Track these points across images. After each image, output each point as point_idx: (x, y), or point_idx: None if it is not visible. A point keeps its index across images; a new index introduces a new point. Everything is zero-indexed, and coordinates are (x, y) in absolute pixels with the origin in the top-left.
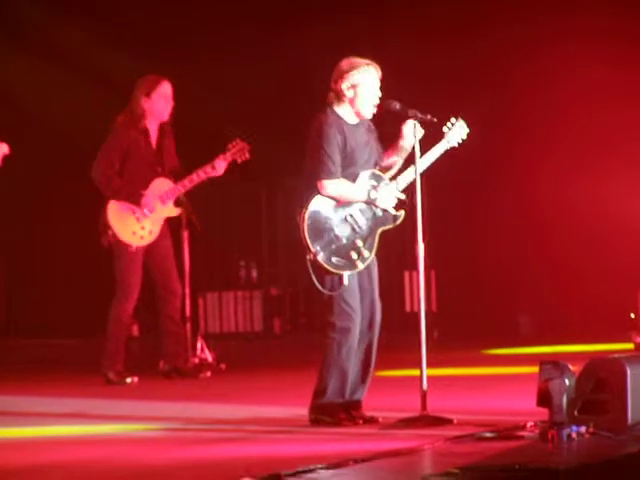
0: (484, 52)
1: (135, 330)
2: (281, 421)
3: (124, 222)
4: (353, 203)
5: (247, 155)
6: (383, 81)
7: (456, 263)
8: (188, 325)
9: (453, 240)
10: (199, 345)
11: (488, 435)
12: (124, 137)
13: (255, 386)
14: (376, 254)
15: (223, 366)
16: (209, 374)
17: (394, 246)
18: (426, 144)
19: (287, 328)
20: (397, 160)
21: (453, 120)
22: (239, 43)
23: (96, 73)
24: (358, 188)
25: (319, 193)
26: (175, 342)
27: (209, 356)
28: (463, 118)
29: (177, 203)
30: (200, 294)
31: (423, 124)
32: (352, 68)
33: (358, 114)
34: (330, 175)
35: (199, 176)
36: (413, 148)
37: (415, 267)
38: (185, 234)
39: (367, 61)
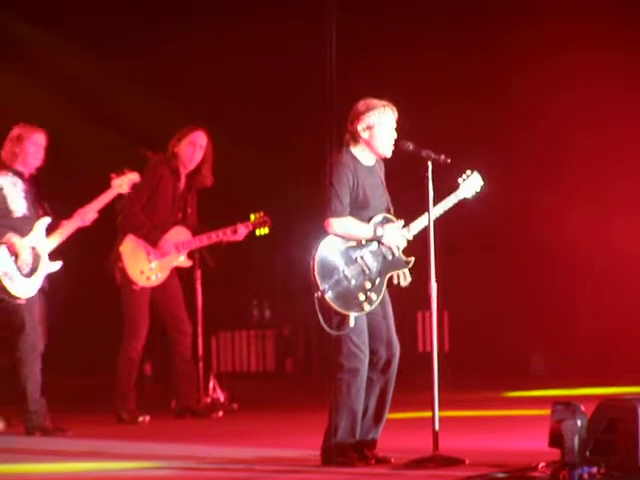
0: (485, 69)
1: (148, 369)
2: (293, 461)
3: (135, 258)
4: (365, 245)
5: (267, 230)
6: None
7: (469, 303)
8: (200, 364)
9: (466, 280)
10: (211, 384)
11: (500, 475)
12: (156, 175)
13: (267, 426)
14: (389, 294)
15: (235, 406)
16: (221, 414)
17: (407, 286)
18: (439, 187)
19: (299, 368)
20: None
21: (468, 172)
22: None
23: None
24: (364, 226)
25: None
26: (187, 382)
27: (221, 396)
28: (477, 168)
29: (190, 255)
30: (213, 333)
31: (435, 164)
32: (368, 109)
33: (377, 154)
34: (336, 214)
35: (218, 236)
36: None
37: (428, 307)
38: (198, 273)
39: (384, 102)
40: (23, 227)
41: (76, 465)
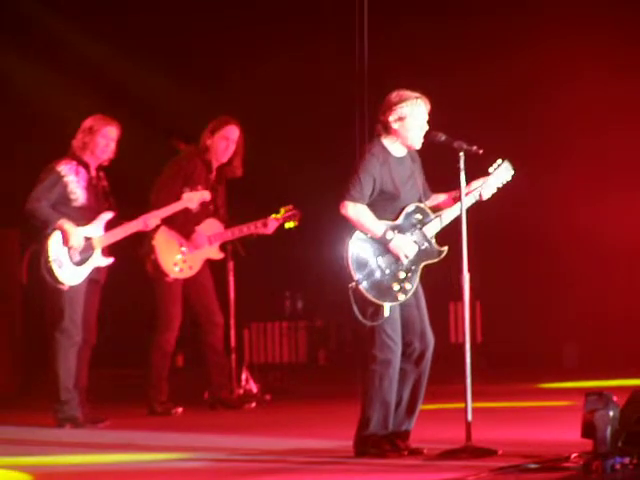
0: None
1: (180, 361)
2: (326, 452)
3: (169, 250)
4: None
5: (297, 223)
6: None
7: (502, 293)
8: (233, 356)
9: (498, 270)
10: (244, 376)
11: (532, 466)
12: (189, 165)
13: (300, 417)
14: (422, 285)
15: (268, 397)
16: (254, 405)
17: (439, 277)
18: (471, 176)
19: (332, 359)
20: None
21: (499, 161)
22: None
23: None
24: (377, 222)
25: (340, 213)
26: (219, 373)
27: (254, 387)
28: (507, 156)
29: (222, 247)
30: (245, 325)
31: (468, 155)
32: (400, 101)
33: (407, 145)
34: (353, 199)
35: (249, 229)
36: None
37: (460, 298)
38: (230, 264)
39: (416, 94)
40: (80, 216)
41: (107, 457)
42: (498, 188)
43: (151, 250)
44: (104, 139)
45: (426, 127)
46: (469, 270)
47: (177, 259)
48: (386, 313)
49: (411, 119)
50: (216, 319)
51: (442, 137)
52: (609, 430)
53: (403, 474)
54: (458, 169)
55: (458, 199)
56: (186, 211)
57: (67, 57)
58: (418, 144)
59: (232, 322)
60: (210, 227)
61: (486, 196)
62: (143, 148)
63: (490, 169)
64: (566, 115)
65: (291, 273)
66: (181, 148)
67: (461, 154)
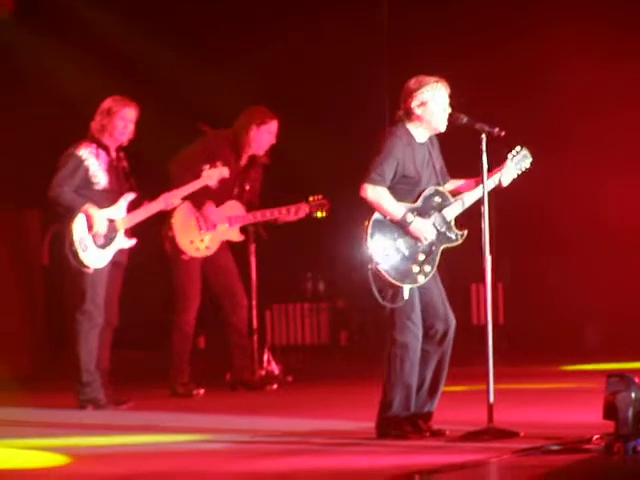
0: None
1: (202, 342)
2: (348, 434)
3: (186, 228)
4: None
5: (326, 212)
6: None
7: (523, 275)
8: (255, 337)
9: (520, 252)
10: (266, 357)
11: (554, 448)
12: (212, 144)
13: (322, 399)
14: (443, 267)
15: (290, 378)
16: (275, 386)
17: (461, 259)
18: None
19: (354, 340)
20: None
21: (518, 148)
22: None
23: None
24: (397, 204)
25: (359, 195)
26: (242, 354)
27: (276, 368)
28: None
29: (243, 230)
30: (267, 306)
31: (490, 137)
32: (420, 86)
33: (432, 129)
34: (373, 181)
35: (272, 214)
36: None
37: (482, 280)
38: (252, 246)
39: (435, 78)
40: (103, 199)
41: (129, 438)
42: (517, 175)
43: (169, 227)
44: (122, 121)
45: (449, 109)
46: (491, 252)
47: (194, 238)
48: (405, 295)
49: (433, 103)
50: (239, 300)
51: (464, 119)
52: (631, 412)
53: (425, 455)
54: (480, 151)
55: (479, 182)
56: (206, 189)
57: (85, 36)
58: (443, 127)
59: (254, 304)
60: (231, 209)
61: (505, 182)
62: (163, 127)
63: (509, 155)
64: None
65: (313, 254)
66: (208, 132)
67: (483, 136)
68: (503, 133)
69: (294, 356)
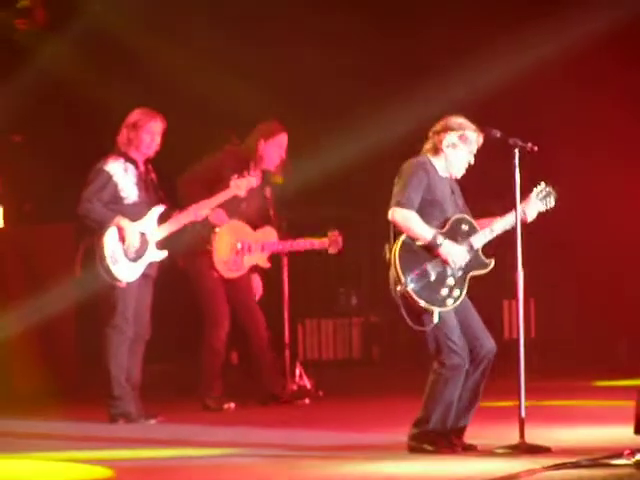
0: None
1: (234, 358)
2: (378, 448)
3: (226, 248)
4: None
5: (339, 249)
6: None
7: (555, 290)
8: (286, 352)
9: (552, 267)
10: (297, 372)
11: (585, 463)
12: (220, 161)
13: (353, 413)
14: (474, 283)
15: (321, 393)
16: (307, 401)
17: (492, 275)
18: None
19: (385, 355)
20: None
21: (543, 184)
22: None
23: None
24: (427, 227)
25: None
26: (269, 369)
27: (307, 383)
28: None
29: (276, 230)
30: (299, 321)
31: (522, 151)
32: (460, 129)
33: (449, 172)
34: (401, 205)
35: (300, 245)
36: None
37: (514, 295)
38: (285, 260)
39: (474, 127)
40: (134, 213)
41: (160, 451)
42: (542, 210)
43: (207, 241)
44: (149, 134)
45: (472, 161)
46: (523, 267)
47: (230, 259)
48: (435, 319)
49: (462, 151)
50: (257, 317)
51: (497, 134)
52: None
53: (456, 470)
54: (513, 166)
55: (506, 212)
56: (235, 198)
57: (112, 49)
58: (459, 175)
59: (286, 318)
60: (266, 236)
61: (530, 217)
62: (193, 138)
63: (534, 191)
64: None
65: (345, 269)
66: (234, 141)
67: (516, 151)
68: (536, 148)
69: (326, 371)
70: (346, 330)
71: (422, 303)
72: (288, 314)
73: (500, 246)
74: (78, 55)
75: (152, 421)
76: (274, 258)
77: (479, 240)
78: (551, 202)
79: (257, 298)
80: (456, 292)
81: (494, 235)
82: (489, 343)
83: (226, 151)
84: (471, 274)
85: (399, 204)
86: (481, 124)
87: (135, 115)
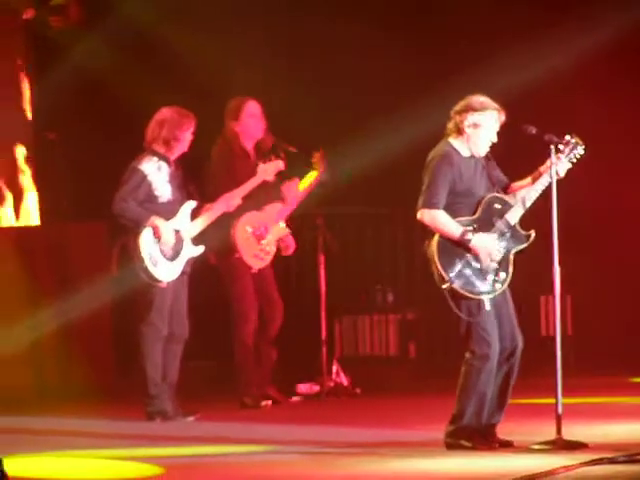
0: None
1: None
2: (416, 445)
3: (247, 243)
4: (485, 230)
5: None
6: None
7: (592, 287)
8: (324, 349)
9: (589, 263)
10: (334, 369)
11: (622, 459)
12: (224, 155)
13: (390, 410)
14: (511, 279)
15: (358, 390)
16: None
17: (530, 271)
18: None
19: (422, 352)
20: (535, 190)
21: (567, 137)
22: None
23: None
24: (454, 226)
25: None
26: (269, 367)
27: (344, 380)
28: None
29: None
30: (336, 318)
31: (558, 148)
32: (482, 109)
33: (472, 150)
34: (428, 205)
35: (300, 193)
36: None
37: (551, 291)
38: (321, 257)
39: (496, 105)
40: (168, 212)
41: (197, 449)
42: (572, 164)
43: (234, 249)
44: (182, 134)
45: (495, 139)
46: (560, 264)
47: (256, 250)
48: (487, 306)
49: (485, 130)
50: (278, 309)
51: (533, 130)
52: None
53: (494, 466)
54: (549, 161)
55: (536, 177)
56: (264, 184)
57: (147, 46)
58: (483, 153)
59: (323, 315)
60: (274, 208)
61: (561, 172)
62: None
63: (560, 146)
64: None
65: (382, 266)
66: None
67: (552, 147)
68: (571, 143)
69: (362, 368)
70: (383, 327)
71: (471, 295)
72: (325, 311)
73: (538, 241)
74: (113, 52)
75: (190, 419)
76: (309, 256)
77: (514, 216)
78: (580, 152)
79: (290, 252)
80: (502, 275)
81: (527, 207)
82: (517, 339)
83: (222, 146)
84: (514, 251)
85: (425, 204)
86: (517, 121)
87: (167, 113)
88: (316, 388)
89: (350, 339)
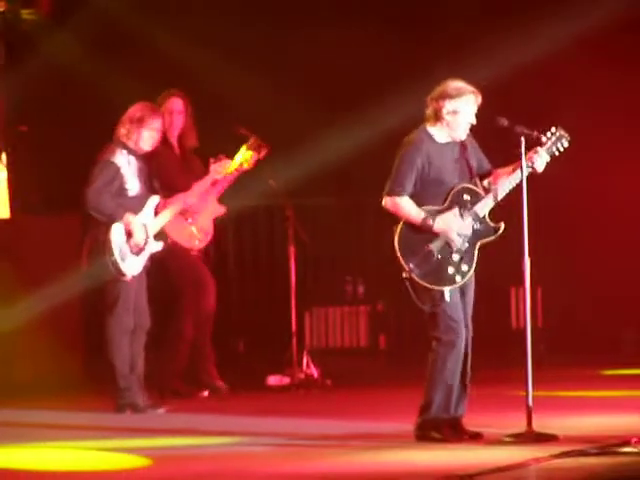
0: None
1: (241, 346)
2: (386, 437)
3: (176, 226)
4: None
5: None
6: None
7: (563, 278)
8: (294, 340)
9: (560, 255)
10: (305, 361)
11: (593, 451)
12: (164, 155)
13: (360, 402)
14: (481, 270)
15: (329, 382)
16: (207, 393)
17: (500, 262)
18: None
19: (393, 343)
20: (509, 183)
21: (553, 129)
22: None
23: None
24: (417, 212)
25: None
26: (182, 360)
27: (315, 372)
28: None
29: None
30: (306, 309)
31: (528, 140)
32: (458, 95)
33: (452, 135)
34: (393, 192)
35: (231, 174)
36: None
37: (521, 283)
38: (291, 249)
39: (472, 89)
40: (136, 206)
41: (168, 441)
42: (552, 157)
43: (165, 235)
44: (151, 131)
45: (474, 121)
46: (530, 255)
47: (189, 230)
48: (447, 298)
49: (463, 114)
50: (209, 292)
51: (505, 122)
52: None
53: (463, 458)
54: (520, 153)
55: (516, 167)
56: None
57: (121, 39)
58: (463, 137)
59: (293, 306)
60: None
61: (540, 166)
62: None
63: (543, 138)
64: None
65: (352, 258)
66: (246, 135)
67: (522, 139)
68: (542, 136)
69: (333, 359)
70: (353, 318)
71: (430, 285)
72: (295, 303)
73: (508, 233)
74: (84, 45)
75: (160, 410)
76: (279, 248)
77: (483, 207)
78: (564, 145)
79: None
80: (464, 267)
81: (499, 200)
82: (470, 329)
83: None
84: (480, 243)
85: (389, 191)
86: (489, 113)
87: (137, 110)
88: (286, 380)
89: (320, 331)
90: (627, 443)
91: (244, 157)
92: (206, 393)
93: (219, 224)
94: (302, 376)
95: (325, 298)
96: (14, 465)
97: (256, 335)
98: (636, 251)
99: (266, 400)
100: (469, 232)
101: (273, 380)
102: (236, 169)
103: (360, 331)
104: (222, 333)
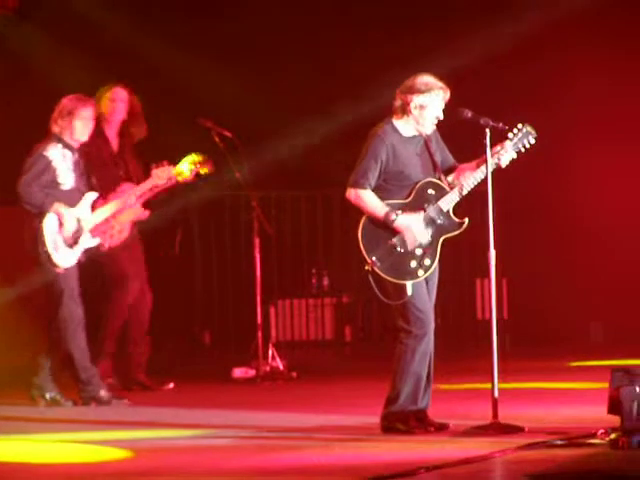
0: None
1: (207, 338)
2: (352, 429)
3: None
4: (413, 212)
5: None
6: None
7: (528, 270)
8: (259, 333)
9: (525, 247)
10: (270, 353)
11: (559, 443)
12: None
13: (326, 394)
14: (447, 262)
15: (294, 374)
16: (172, 385)
17: (465, 254)
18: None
19: (358, 335)
20: (474, 178)
21: (520, 126)
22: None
23: None
24: (379, 206)
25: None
26: (142, 352)
27: (280, 364)
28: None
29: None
30: (271, 302)
31: (494, 131)
32: (427, 90)
33: (418, 130)
34: (356, 185)
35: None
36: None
37: (487, 275)
38: (256, 241)
39: (440, 84)
40: (70, 199)
41: (133, 433)
42: (518, 153)
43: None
44: (82, 121)
45: (441, 116)
46: (495, 247)
47: (105, 227)
48: (409, 291)
49: (430, 109)
50: (147, 290)
51: (469, 114)
52: (635, 406)
53: (429, 450)
54: (484, 145)
55: (480, 163)
56: (99, 185)
57: (84, 33)
58: (430, 131)
59: (258, 299)
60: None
61: (504, 162)
62: (162, 123)
63: (510, 134)
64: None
65: (317, 250)
66: (210, 127)
67: (487, 131)
68: (507, 128)
69: (298, 352)
70: (318, 311)
71: (392, 279)
72: (260, 295)
73: (473, 225)
74: (48, 38)
75: (124, 402)
76: (244, 239)
77: (448, 202)
78: (531, 141)
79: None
80: (427, 261)
81: (463, 194)
82: (432, 320)
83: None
84: (444, 237)
85: (354, 184)
86: (453, 105)
87: (67, 102)
88: (252, 372)
89: (286, 323)
90: (593, 435)
91: (187, 167)
92: (171, 385)
93: (182, 218)
94: (267, 368)
95: (290, 290)
96: None
97: (221, 327)
98: (602, 243)
99: (231, 392)
100: (425, 240)
101: (238, 372)
102: (177, 177)
103: (325, 323)
104: (187, 325)
